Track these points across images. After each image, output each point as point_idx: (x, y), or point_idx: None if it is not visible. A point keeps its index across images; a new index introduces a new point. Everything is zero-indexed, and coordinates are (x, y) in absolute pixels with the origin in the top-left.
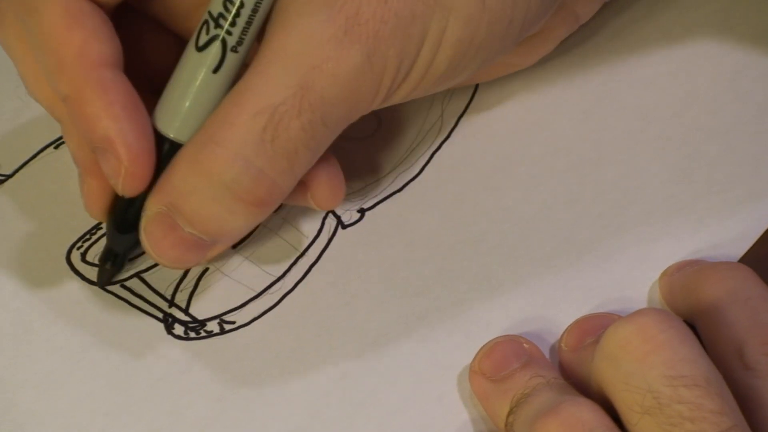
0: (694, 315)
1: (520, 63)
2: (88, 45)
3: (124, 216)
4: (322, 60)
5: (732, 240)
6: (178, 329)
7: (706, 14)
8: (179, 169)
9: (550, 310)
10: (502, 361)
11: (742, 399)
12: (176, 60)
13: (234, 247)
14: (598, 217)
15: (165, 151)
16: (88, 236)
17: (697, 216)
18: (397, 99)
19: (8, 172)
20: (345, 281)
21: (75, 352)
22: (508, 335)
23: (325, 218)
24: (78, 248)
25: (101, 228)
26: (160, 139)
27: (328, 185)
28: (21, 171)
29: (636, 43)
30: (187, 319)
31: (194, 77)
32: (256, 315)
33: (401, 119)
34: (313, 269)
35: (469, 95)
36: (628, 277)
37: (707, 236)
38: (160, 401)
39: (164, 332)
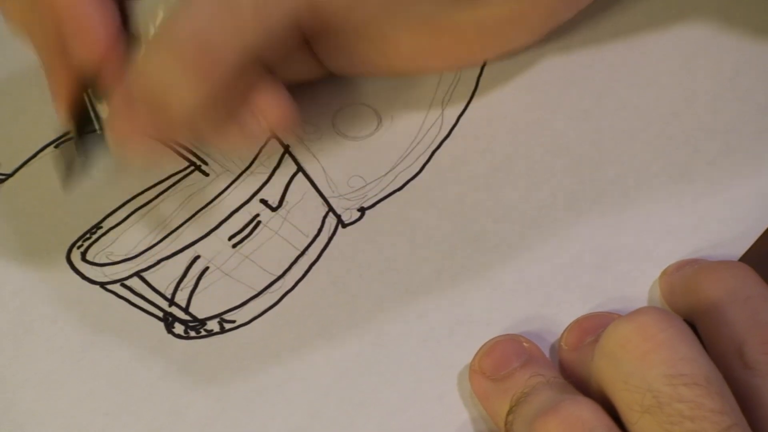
0: (694, 314)
1: (519, 42)
2: None
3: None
4: None
5: (732, 239)
6: (179, 328)
7: (706, 13)
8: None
9: (550, 309)
10: (502, 360)
11: (742, 398)
12: None
13: (235, 246)
14: (598, 215)
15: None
16: (88, 235)
17: (697, 215)
18: (367, 11)
19: (8, 172)
20: (345, 280)
21: (75, 351)
22: (508, 334)
23: (325, 217)
24: (78, 247)
25: (101, 227)
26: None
27: (272, 98)
28: (21, 170)
29: (636, 42)
30: (187, 318)
31: None
32: (256, 314)
33: (401, 118)
34: (314, 268)
35: (469, 94)
36: (628, 276)
37: (707, 235)
38: (160, 400)
39: (164, 331)
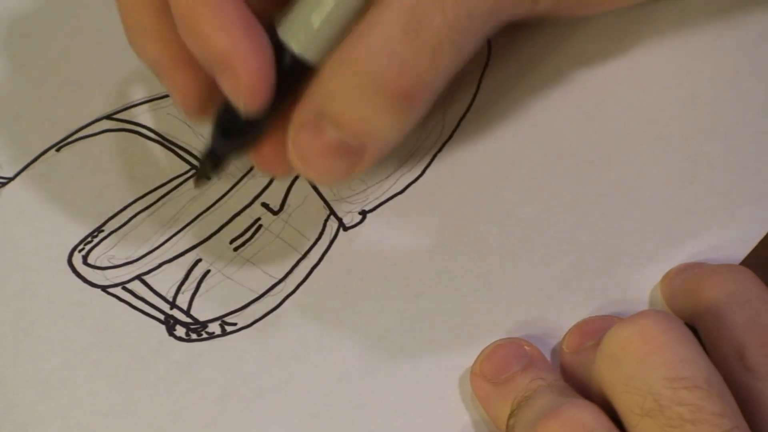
0: (695, 317)
1: None
2: None
3: (230, 121)
4: None
5: (734, 242)
6: (180, 331)
7: (707, 15)
8: (327, 71)
9: (551, 312)
10: (503, 363)
11: (743, 401)
12: None
13: (237, 249)
14: (600, 218)
15: (287, 65)
16: (89, 239)
17: (698, 218)
18: (544, 4)
19: (10, 175)
20: (346, 283)
21: (76, 353)
22: (509, 338)
23: (326, 220)
24: (80, 251)
25: (103, 230)
26: (281, 53)
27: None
28: (23, 173)
29: (637, 44)
30: (188, 320)
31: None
32: (257, 317)
33: None
34: (315, 271)
35: (470, 97)
36: (629, 279)
37: (709, 238)
38: (161, 402)
39: (166, 334)
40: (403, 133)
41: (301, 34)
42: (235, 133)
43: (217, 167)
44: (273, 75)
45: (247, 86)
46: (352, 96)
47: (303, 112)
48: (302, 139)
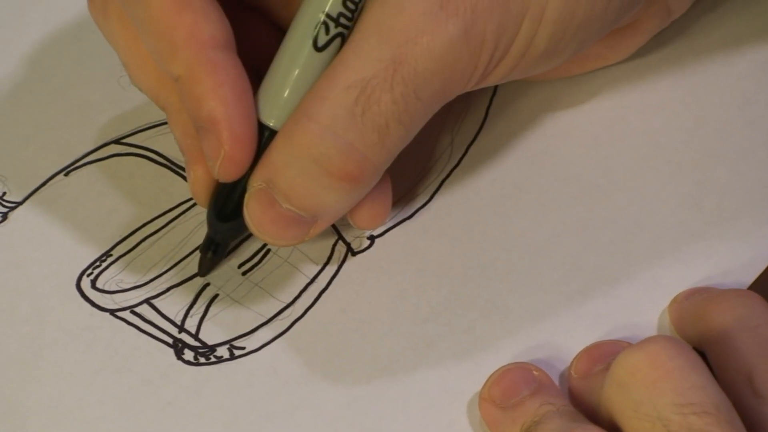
0: (703, 342)
1: (612, 57)
2: (199, 26)
3: (225, 204)
4: (416, 33)
5: (742, 267)
6: (188, 354)
7: (715, 40)
8: (276, 145)
9: (559, 336)
10: (512, 388)
11: (752, 426)
12: (268, 46)
13: (245, 273)
14: (608, 243)
15: (265, 139)
16: (98, 263)
17: (706, 242)
18: (494, 79)
19: (18, 199)
20: (355, 308)
21: (85, 377)
22: (517, 362)
23: (335, 245)
24: (88, 275)
25: (111, 255)
26: (260, 127)
27: (369, 205)
28: (31, 198)
29: (645, 69)
30: (197, 344)
31: (309, 73)
32: (266, 341)
33: (411, 146)
34: (323, 296)
35: (479, 122)
36: (637, 303)
37: (717, 263)
38: (169, 426)
39: (174, 358)
40: (353, 204)
41: (279, 110)
42: (229, 215)
43: (217, 253)
44: (254, 145)
45: (228, 153)
46: (298, 173)
47: (255, 180)
48: (254, 207)
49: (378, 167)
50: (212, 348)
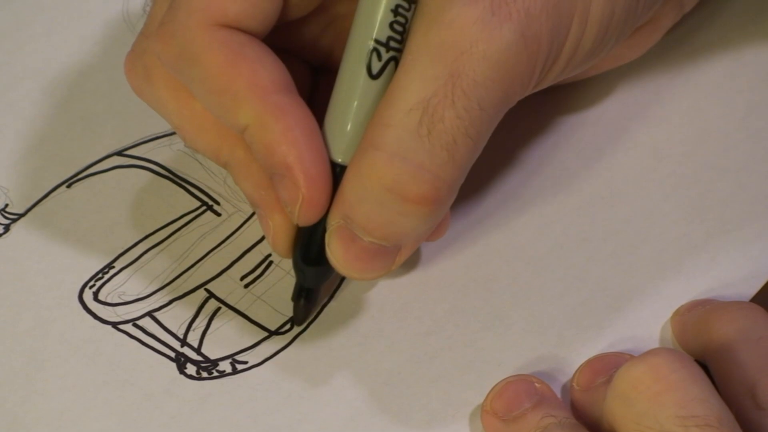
0: (706, 354)
1: (629, 54)
2: (258, 74)
3: (308, 248)
4: (470, 44)
5: (744, 279)
6: (191, 369)
7: (717, 53)
8: (347, 180)
9: (561, 349)
10: (514, 400)
11: None
12: (304, 86)
13: (247, 286)
14: (610, 255)
15: (337, 176)
16: (100, 275)
17: (709, 255)
18: (547, 82)
19: (21, 211)
20: (357, 321)
21: (88, 390)
22: (519, 375)
23: None
24: (90, 287)
25: (114, 267)
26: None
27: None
28: (33, 210)
29: (647, 81)
30: (199, 358)
31: (368, 102)
32: (268, 355)
33: None
34: (326, 309)
35: None
36: (640, 316)
37: (719, 275)
38: None
39: (177, 372)
40: (435, 225)
41: (338, 141)
42: (315, 259)
43: (309, 299)
44: (330, 185)
45: (306, 196)
46: (373, 204)
47: (332, 218)
48: (336, 245)
49: (452, 185)
50: (215, 362)
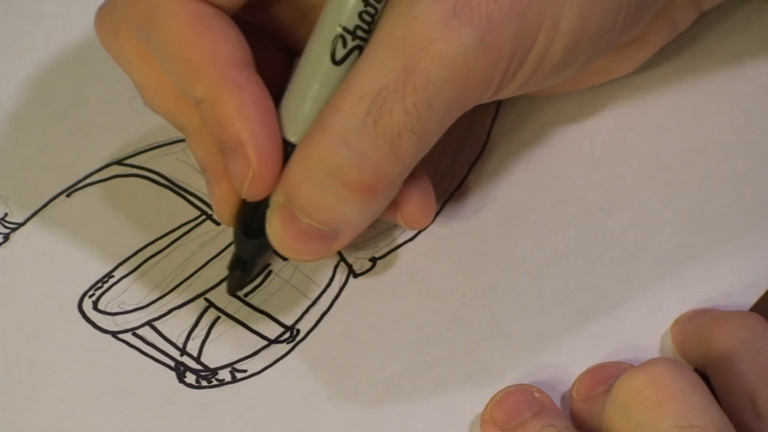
0: (706, 364)
1: (619, 70)
2: (219, 47)
3: (251, 220)
4: (428, 42)
5: (744, 288)
6: (190, 378)
7: (717, 61)
8: (294, 159)
9: (561, 358)
10: (514, 410)
11: None
12: (276, 66)
13: (246, 295)
14: (610, 265)
15: (289, 155)
16: (99, 284)
17: (708, 264)
18: (510, 90)
19: (20, 220)
20: (356, 330)
21: (87, 400)
22: (519, 384)
23: (336, 267)
24: (90, 296)
25: (113, 276)
26: (284, 143)
27: (417, 203)
28: (33, 219)
29: (647, 90)
30: (198, 367)
31: (328, 87)
32: (267, 363)
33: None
34: (325, 318)
35: (481, 144)
36: (639, 325)
37: (719, 284)
38: None
39: (176, 381)
40: (373, 217)
41: (293, 121)
42: (255, 232)
43: (246, 271)
44: (280, 162)
45: (256, 173)
46: (315, 187)
47: (275, 195)
48: (275, 223)
49: (393, 178)
50: (214, 371)
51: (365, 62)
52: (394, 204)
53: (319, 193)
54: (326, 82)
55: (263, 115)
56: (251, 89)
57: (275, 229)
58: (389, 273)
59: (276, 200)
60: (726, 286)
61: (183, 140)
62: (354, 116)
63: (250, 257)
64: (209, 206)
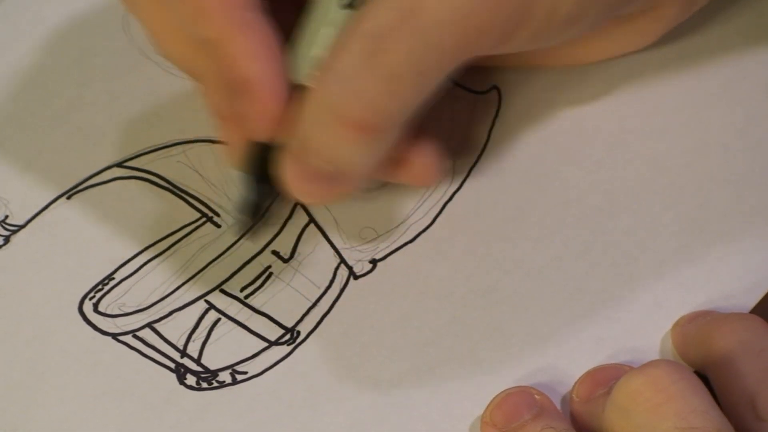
0: (706, 366)
1: (630, 43)
2: None
3: (260, 164)
4: None
5: (744, 290)
6: (190, 379)
7: (717, 64)
8: (300, 101)
9: (561, 360)
10: (514, 412)
11: None
12: (287, 13)
13: (247, 297)
14: (610, 266)
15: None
16: (100, 286)
17: (709, 266)
18: (516, 43)
19: (21, 222)
20: (357, 331)
21: (88, 401)
22: (519, 386)
23: (337, 269)
24: (90, 298)
25: (114, 278)
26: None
27: (422, 159)
28: (33, 221)
29: (647, 93)
30: (199, 369)
31: (337, 30)
32: (268, 365)
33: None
34: (325, 320)
35: (481, 145)
36: (640, 327)
37: (719, 286)
38: None
39: (176, 382)
40: (376, 158)
41: (302, 63)
42: (263, 175)
43: (255, 215)
44: (287, 101)
45: (263, 111)
46: (318, 126)
47: (285, 138)
48: (285, 164)
49: (392, 117)
50: (214, 373)
51: (370, 3)
52: (401, 162)
53: (323, 132)
54: (334, 25)
55: (271, 54)
56: (259, 29)
57: (286, 171)
58: (389, 275)
59: (285, 141)
60: (726, 287)
61: (183, 142)
62: (356, 55)
63: (259, 200)
64: (210, 209)
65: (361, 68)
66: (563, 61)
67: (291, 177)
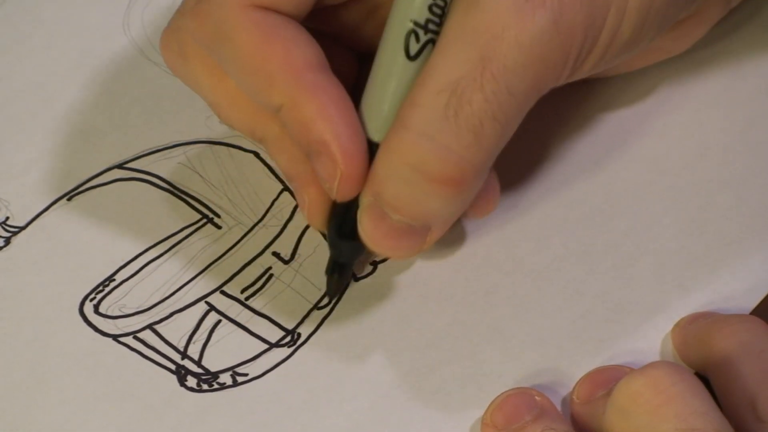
0: (707, 367)
1: (674, 48)
2: (292, 53)
3: (343, 222)
4: (502, 29)
5: (745, 292)
6: (191, 381)
7: (717, 65)
8: (378, 158)
9: (561, 362)
10: (514, 413)
11: None
12: (346, 70)
13: (248, 299)
14: (610, 268)
15: (373, 154)
16: (101, 288)
17: (709, 267)
18: (583, 71)
19: (21, 224)
20: (357, 333)
21: (89, 403)
22: (519, 387)
23: None
24: (91, 300)
25: (114, 279)
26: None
27: (486, 193)
28: (34, 222)
29: (647, 94)
30: (200, 371)
31: (405, 83)
32: (268, 367)
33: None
34: (326, 321)
35: None
36: (640, 328)
37: (720, 288)
38: None
39: (177, 384)
40: (464, 208)
41: (374, 120)
42: (349, 233)
43: (343, 275)
44: (366, 160)
45: (344, 172)
46: (401, 183)
47: (364, 195)
48: (366, 222)
49: (478, 168)
50: (215, 374)
51: (440, 55)
52: None
53: (406, 190)
54: (403, 78)
55: (345, 114)
56: (330, 90)
57: (367, 229)
58: (390, 277)
59: (365, 200)
60: (726, 289)
61: (183, 144)
62: (434, 110)
63: (346, 259)
64: (210, 210)
65: (442, 122)
66: (608, 72)
67: (373, 235)
